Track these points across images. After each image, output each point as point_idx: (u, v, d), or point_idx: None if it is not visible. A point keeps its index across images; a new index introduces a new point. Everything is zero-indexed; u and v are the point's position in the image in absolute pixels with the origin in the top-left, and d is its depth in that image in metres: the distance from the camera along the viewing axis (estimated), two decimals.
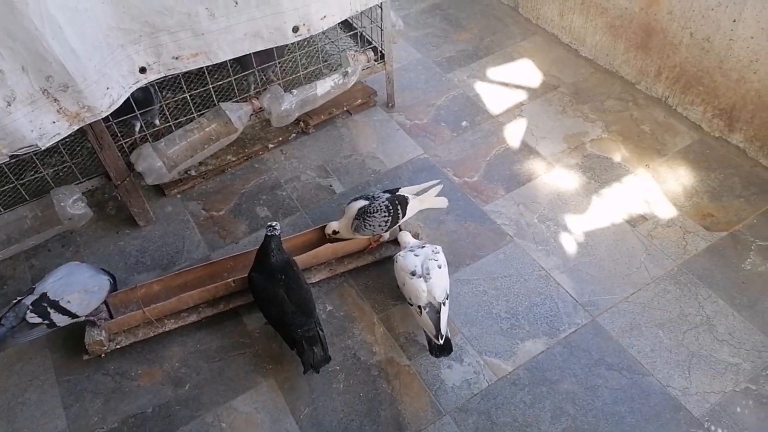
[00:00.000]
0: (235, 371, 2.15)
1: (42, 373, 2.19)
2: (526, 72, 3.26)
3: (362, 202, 2.23)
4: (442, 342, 2.01)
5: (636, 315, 2.19)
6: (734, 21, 2.50)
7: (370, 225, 2.21)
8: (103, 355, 2.18)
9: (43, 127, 1.99)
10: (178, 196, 2.79)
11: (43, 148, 2.01)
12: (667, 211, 2.52)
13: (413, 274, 2.05)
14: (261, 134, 3.01)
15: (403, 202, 2.25)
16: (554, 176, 2.71)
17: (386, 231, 2.29)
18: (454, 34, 3.58)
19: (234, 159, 2.89)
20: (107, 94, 2.07)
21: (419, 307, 2.03)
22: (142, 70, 2.14)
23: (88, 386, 2.14)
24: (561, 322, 2.19)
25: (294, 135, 3.03)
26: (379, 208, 2.20)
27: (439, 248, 2.16)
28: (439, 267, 2.07)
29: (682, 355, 2.07)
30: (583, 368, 2.06)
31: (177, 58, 2.16)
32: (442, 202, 2.39)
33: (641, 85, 3.07)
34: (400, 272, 2.10)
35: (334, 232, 2.31)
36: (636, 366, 2.06)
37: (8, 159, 2.00)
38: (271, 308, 2.08)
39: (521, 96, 3.12)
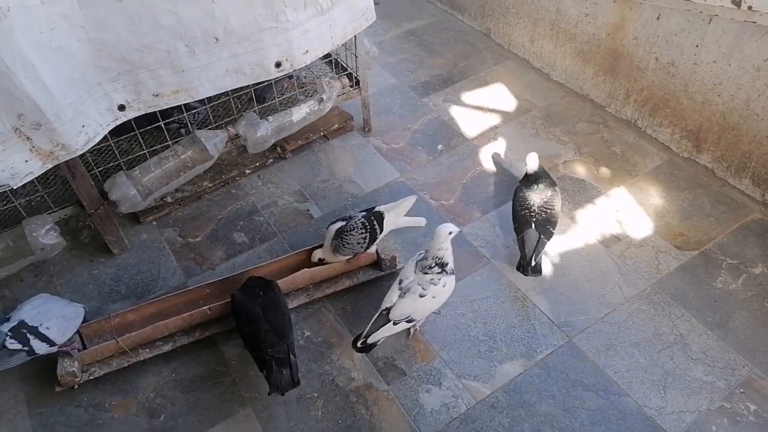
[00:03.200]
0: (211, 400, 2.12)
1: (13, 405, 2.13)
2: (499, 96, 3.33)
3: (339, 224, 2.26)
4: (361, 345, 2.04)
5: (611, 335, 2.22)
6: (697, 46, 2.59)
7: (348, 244, 2.22)
8: (75, 387, 2.14)
9: (15, 166, 1.93)
10: (154, 223, 2.77)
11: (15, 187, 1.97)
12: (639, 231, 2.57)
13: (400, 282, 2.07)
14: (238, 160, 3.01)
15: (379, 217, 2.27)
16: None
17: (365, 248, 2.30)
18: (429, 60, 3.65)
19: (210, 185, 2.88)
20: (83, 131, 2.01)
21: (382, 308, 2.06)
22: (121, 107, 2.09)
23: (61, 419, 2.09)
24: (538, 343, 2.20)
25: (271, 160, 3.04)
26: (355, 226, 2.22)
27: (441, 282, 2.05)
28: (421, 296, 2.03)
29: (658, 374, 2.10)
30: (561, 390, 2.07)
31: (157, 95, 2.12)
32: (420, 221, 2.41)
33: (611, 108, 3.15)
34: (404, 268, 2.14)
35: (320, 260, 2.33)
36: (613, 386, 2.07)
37: None
38: (246, 325, 2.09)
39: (495, 119, 3.18)
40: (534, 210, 2.37)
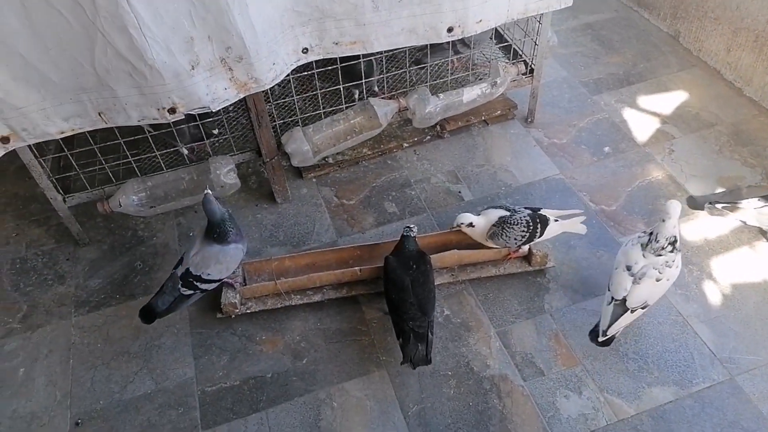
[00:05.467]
0: (350, 355, 2.22)
1: (178, 322, 2.38)
2: (680, 104, 3.09)
3: (503, 212, 2.22)
4: (604, 338, 2.01)
5: None
6: None
7: (506, 235, 2.19)
8: (233, 316, 2.33)
9: (216, 92, 2.17)
10: (314, 180, 2.92)
11: (213, 110, 2.21)
12: None
13: (628, 268, 2.01)
14: (397, 132, 3.07)
15: (544, 221, 2.21)
16: (703, 218, 2.53)
17: (519, 245, 2.26)
18: (605, 57, 3.46)
19: (369, 153, 2.98)
20: (272, 69, 2.22)
21: (612, 297, 2.01)
22: (305, 50, 2.28)
23: (217, 342, 2.30)
24: (695, 374, 2.05)
25: (429, 137, 3.07)
26: (519, 221, 2.18)
27: (675, 263, 2.00)
28: (658, 280, 1.98)
29: None
30: (715, 428, 1.92)
31: (337, 43, 2.28)
32: (581, 228, 2.31)
33: None
34: (620, 257, 2.07)
35: (470, 225, 2.23)
36: None
37: (183, 117, 2.19)
38: (393, 291, 2.14)
39: (673, 129, 2.96)
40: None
